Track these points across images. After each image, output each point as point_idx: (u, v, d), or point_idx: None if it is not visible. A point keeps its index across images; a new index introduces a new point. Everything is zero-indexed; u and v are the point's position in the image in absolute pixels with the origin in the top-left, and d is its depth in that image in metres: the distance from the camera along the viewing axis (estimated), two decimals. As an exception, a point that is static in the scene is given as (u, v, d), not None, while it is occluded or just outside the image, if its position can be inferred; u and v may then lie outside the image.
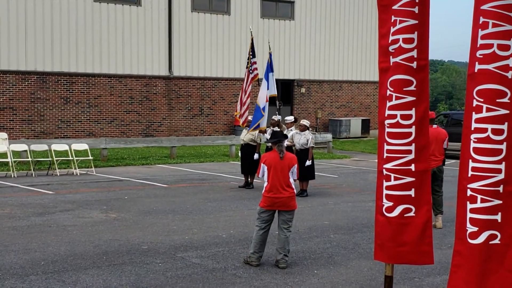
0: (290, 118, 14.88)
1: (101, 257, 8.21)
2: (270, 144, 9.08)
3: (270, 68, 15.41)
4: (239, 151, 15.70)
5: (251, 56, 16.00)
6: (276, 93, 15.53)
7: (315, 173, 14.35)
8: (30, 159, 17.16)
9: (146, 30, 25.80)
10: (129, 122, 25.81)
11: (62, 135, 24.04)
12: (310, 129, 14.46)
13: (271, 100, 15.82)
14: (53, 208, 11.75)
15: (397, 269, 7.64)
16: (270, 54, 15.82)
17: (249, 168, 14.93)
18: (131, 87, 25.73)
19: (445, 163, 11.06)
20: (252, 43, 16.20)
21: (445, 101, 77.77)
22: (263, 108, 14.98)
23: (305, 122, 14.09)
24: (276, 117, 15.24)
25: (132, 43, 25.50)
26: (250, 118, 15.66)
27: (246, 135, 15.16)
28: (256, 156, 14.78)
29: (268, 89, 15.20)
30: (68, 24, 24.05)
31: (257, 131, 15.13)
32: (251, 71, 15.91)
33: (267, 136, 14.82)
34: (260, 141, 15.16)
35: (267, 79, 15.29)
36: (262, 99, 15.10)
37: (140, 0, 25.62)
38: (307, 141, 13.74)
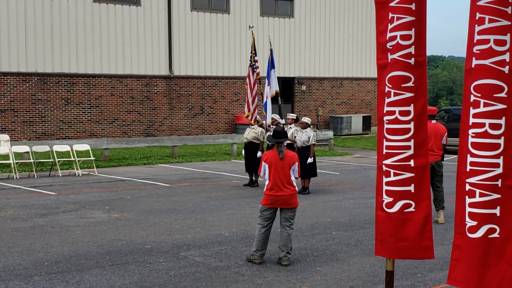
0: (293, 115, 14.87)
1: (104, 257, 8.25)
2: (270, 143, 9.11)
3: (272, 64, 15.42)
4: (243, 150, 15.67)
5: (254, 55, 16.00)
6: (278, 89, 15.51)
7: (317, 170, 14.38)
8: (32, 160, 17.21)
9: (146, 30, 25.84)
10: (130, 122, 25.85)
11: (63, 136, 24.09)
12: (312, 126, 14.47)
13: (274, 97, 15.79)
14: (56, 209, 11.79)
15: (400, 265, 7.68)
16: (271, 51, 15.82)
17: (254, 166, 14.94)
18: (131, 87, 25.77)
19: (444, 158, 11.06)
20: (253, 42, 16.22)
21: (446, 96, 77.74)
22: (265, 104, 15.03)
23: (306, 119, 14.11)
24: (279, 119, 15.16)
25: (132, 43, 25.54)
26: (259, 117, 15.73)
27: (249, 133, 15.18)
28: (259, 153, 14.78)
29: (268, 85, 15.23)
30: (68, 25, 24.09)
31: (260, 129, 15.14)
32: (255, 69, 15.91)
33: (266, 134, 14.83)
34: (263, 139, 15.16)
35: (268, 76, 15.33)
36: (268, 96, 15.14)
37: (139, 0, 25.65)
38: (309, 138, 13.77)
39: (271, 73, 15.31)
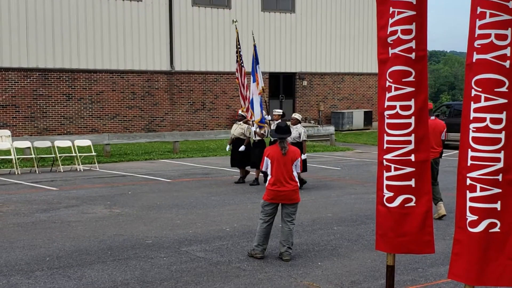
0: (279, 111, 14.69)
1: (105, 252, 8.26)
2: (273, 138, 9.11)
3: (256, 60, 15.22)
4: (230, 145, 15.42)
5: (239, 50, 15.85)
6: (263, 85, 15.32)
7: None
8: (33, 156, 17.22)
9: (147, 25, 25.82)
10: (132, 118, 25.86)
11: (65, 132, 24.10)
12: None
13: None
14: (57, 204, 11.81)
15: (401, 260, 7.68)
16: (255, 46, 15.59)
17: (240, 161, 14.80)
18: (133, 83, 25.77)
19: (442, 155, 11.06)
20: (237, 37, 16.04)
21: (448, 91, 77.61)
22: (252, 101, 14.86)
23: (296, 115, 14.03)
24: (266, 115, 15.04)
25: (133, 39, 25.53)
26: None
27: (236, 129, 15.06)
28: (242, 147, 14.62)
29: (254, 81, 15.02)
30: (69, 20, 24.07)
31: (246, 126, 14.95)
32: (242, 65, 15.74)
33: (263, 130, 14.73)
34: (250, 134, 14.96)
35: (253, 73, 15.10)
36: (255, 92, 14.96)
37: (140, -5, 25.64)
38: (299, 134, 13.69)
39: (256, 69, 15.10)
